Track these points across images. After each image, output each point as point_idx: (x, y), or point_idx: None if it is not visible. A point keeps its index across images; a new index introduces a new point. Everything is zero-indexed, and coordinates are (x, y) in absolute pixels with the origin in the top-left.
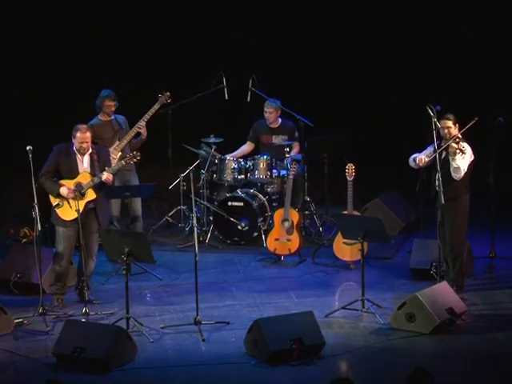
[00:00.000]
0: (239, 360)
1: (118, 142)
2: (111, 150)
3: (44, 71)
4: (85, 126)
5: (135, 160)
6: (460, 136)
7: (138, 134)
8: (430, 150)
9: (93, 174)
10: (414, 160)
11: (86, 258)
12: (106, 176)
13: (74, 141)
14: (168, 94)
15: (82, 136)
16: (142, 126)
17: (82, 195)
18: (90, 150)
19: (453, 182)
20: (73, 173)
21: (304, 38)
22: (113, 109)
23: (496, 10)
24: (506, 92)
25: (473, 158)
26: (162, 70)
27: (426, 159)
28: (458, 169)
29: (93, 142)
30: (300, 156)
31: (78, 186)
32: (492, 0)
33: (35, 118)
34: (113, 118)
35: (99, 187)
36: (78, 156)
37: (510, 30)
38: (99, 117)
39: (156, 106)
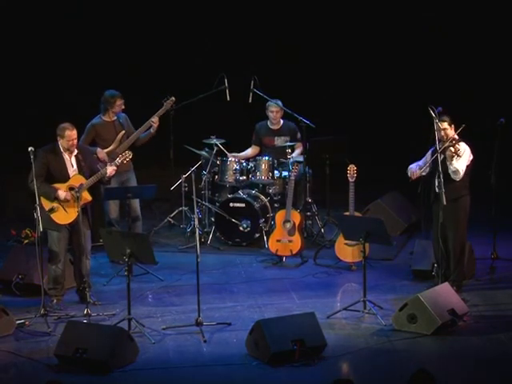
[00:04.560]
0: (241, 361)
1: (117, 144)
2: (110, 150)
3: (43, 71)
4: (70, 124)
5: (127, 159)
6: (457, 137)
7: (147, 129)
8: (428, 155)
9: (82, 175)
10: (407, 172)
11: (83, 258)
12: (110, 169)
13: (61, 141)
14: (173, 98)
15: (71, 134)
16: (155, 121)
17: (77, 198)
18: (76, 151)
19: (453, 182)
20: (63, 174)
21: (305, 38)
22: (123, 107)
23: (497, 10)
24: (507, 93)
25: (472, 157)
26: (164, 72)
27: (418, 173)
28: (456, 171)
29: (93, 142)
30: (302, 157)
31: (79, 188)
32: (492, 0)
33: (35, 118)
34: (115, 117)
35: (93, 188)
36: (66, 156)
37: (510, 30)
38: (102, 117)
39: (161, 112)
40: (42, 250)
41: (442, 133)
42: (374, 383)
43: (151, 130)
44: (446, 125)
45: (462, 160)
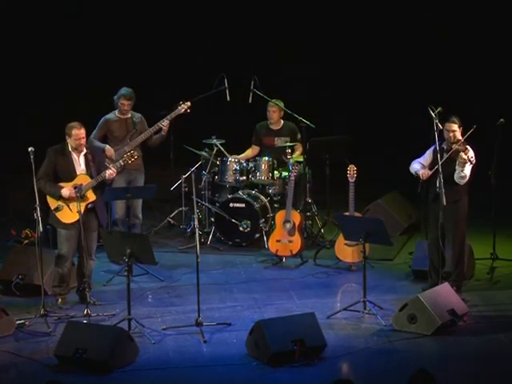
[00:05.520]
0: (241, 361)
1: (128, 142)
2: (118, 148)
3: (43, 71)
4: (78, 123)
5: (133, 159)
6: (463, 141)
7: (158, 131)
8: (428, 154)
9: (89, 174)
10: (417, 174)
11: (87, 258)
12: (109, 172)
13: (69, 140)
14: (188, 103)
15: (78, 132)
16: (165, 124)
17: (82, 197)
18: (85, 151)
19: (455, 185)
20: (70, 173)
21: (305, 38)
22: (126, 108)
23: (497, 10)
24: (507, 93)
25: (474, 162)
26: (164, 72)
27: (429, 172)
28: (464, 177)
29: (105, 137)
30: (301, 157)
31: (78, 188)
32: (492, 0)
33: (35, 119)
34: (129, 115)
35: (98, 187)
36: (75, 156)
37: (510, 30)
38: (116, 113)
39: (173, 115)
40: (42, 250)
41: (451, 134)
42: (373, 383)
43: (162, 132)
44: (455, 127)
45: (470, 166)
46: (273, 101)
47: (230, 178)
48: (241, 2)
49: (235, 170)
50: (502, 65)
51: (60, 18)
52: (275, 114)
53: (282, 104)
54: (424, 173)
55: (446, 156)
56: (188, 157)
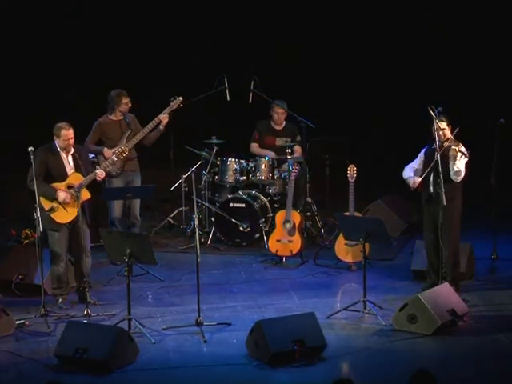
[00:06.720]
0: (241, 361)
1: (125, 143)
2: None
3: (43, 71)
4: (67, 123)
5: (124, 154)
6: (453, 138)
7: (156, 127)
8: (420, 157)
9: (81, 173)
10: (408, 182)
11: (84, 256)
12: (99, 172)
13: (57, 140)
14: (180, 98)
15: (67, 133)
16: (163, 117)
17: (77, 197)
18: (73, 150)
19: (450, 183)
20: (61, 173)
21: (305, 38)
22: (130, 105)
23: (497, 10)
24: (507, 93)
25: (468, 156)
26: (164, 72)
27: (419, 180)
28: (459, 172)
29: (100, 140)
30: (302, 157)
31: (77, 188)
32: (492, 0)
33: (35, 118)
34: (122, 117)
35: (88, 185)
36: (63, 155)
37: (510, 30)
38: (109, 116)
39: (166, 111)
40: (42, 250)
41: (441, 133)
42: (373, 383)
43: (160, 127)
44: (445, 125)
45: (463, 161)
46: (276, 102)
47: (230, 177)
48: (241, 2)
49: (235, 169)
50: (502, 65)
51: (60, 18)
52: (282, 115)
53: (285, 105)
54: (415, 181)
55: (437, 155)
56: (188, 157)
